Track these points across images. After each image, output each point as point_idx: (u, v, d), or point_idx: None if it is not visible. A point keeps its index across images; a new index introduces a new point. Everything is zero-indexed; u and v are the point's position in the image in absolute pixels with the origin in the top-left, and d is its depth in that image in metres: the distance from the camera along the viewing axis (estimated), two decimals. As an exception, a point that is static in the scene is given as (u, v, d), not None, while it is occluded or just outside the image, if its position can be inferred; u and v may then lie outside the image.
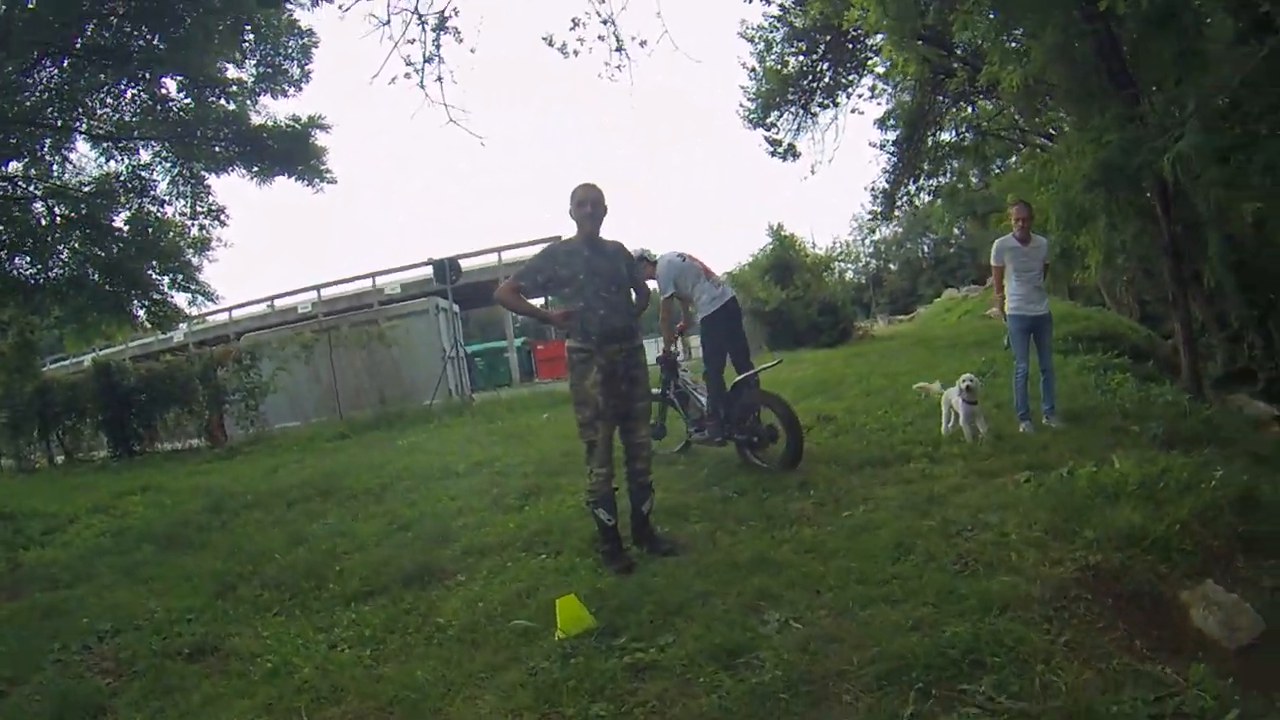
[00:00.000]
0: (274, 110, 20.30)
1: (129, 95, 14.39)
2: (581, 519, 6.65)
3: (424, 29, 8.10)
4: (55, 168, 14.28)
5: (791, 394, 11.76)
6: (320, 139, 16.10)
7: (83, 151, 14.85)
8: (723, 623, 4.43)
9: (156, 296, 15.30)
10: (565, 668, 4.22)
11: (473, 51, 15.51)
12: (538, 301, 6.72)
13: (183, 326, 24.13)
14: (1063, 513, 5.40)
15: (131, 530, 9.47)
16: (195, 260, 15.85)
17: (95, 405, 19.25)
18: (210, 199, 15.76)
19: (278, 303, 38.20)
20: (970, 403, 7.91)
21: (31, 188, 14.00)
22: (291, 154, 15.59)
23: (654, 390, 8.71)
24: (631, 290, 6.32)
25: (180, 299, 16.05)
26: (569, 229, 6.11)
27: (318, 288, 38.21)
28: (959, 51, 19.97)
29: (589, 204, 5.96)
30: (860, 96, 25.59)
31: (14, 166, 13.76)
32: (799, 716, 3.50)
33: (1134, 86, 12.69)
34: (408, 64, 8.14)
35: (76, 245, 14.43)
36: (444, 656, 4.69)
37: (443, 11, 8.11)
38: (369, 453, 12.51)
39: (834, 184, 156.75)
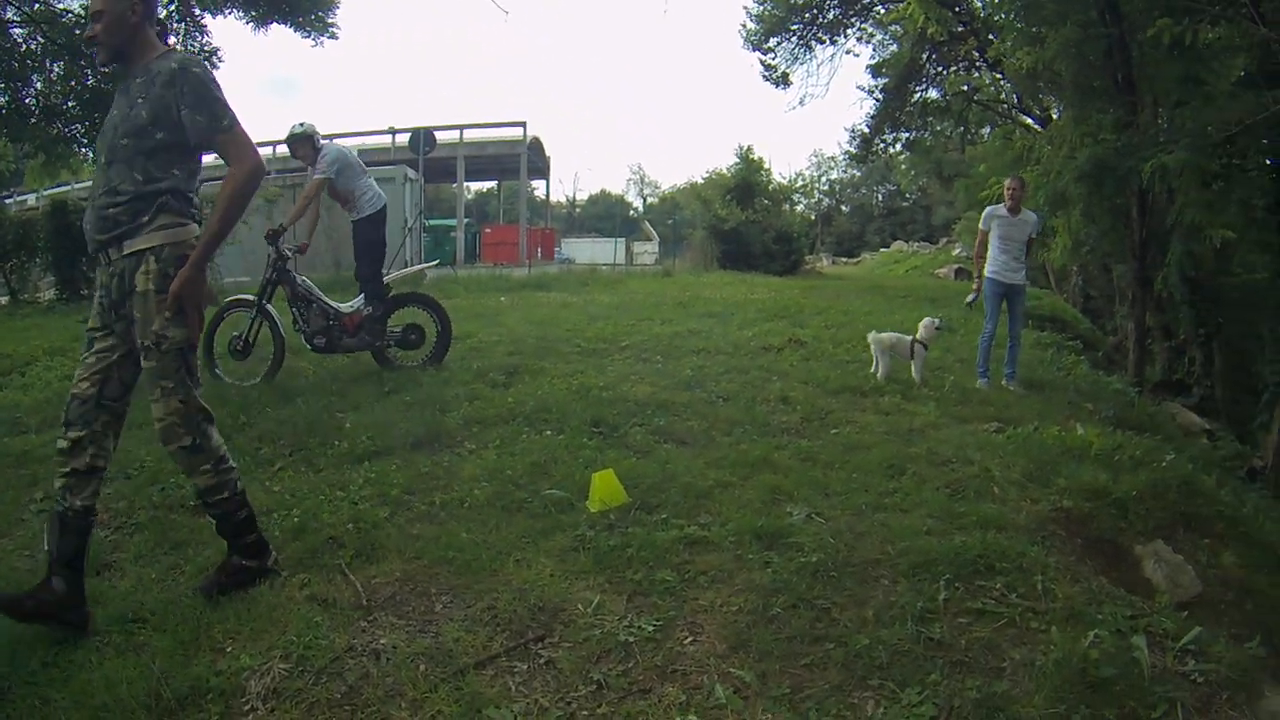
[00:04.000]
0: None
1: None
2: (577, 400, 6.96)
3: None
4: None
5: (754, 314, 12.37)
6: None
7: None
8: (750, 510, 4.73)
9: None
10: (620, 536, 4.40)
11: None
12: None
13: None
14: (1036, 461, 5.85)
15: (98, 375, 9.13)
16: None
17: (48, 245, 18.39)
18: (205, 38, 15.26)
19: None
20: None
21: (7, 13, 13.55)
22: (297, 2, 15.12)
23: (249, 297, 8.44)
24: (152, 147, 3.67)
25: None
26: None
27: (274, 144, 37.46)
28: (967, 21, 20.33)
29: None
30: (858, 39, 25.95)
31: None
32: (850, 592, 3.83)
33: (1135, 95, 13.16)
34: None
35: (54, 75, 14.05)
36: (479, 520, 4.78)
37: None
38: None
39: (800, 117, 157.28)
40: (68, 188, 25.58)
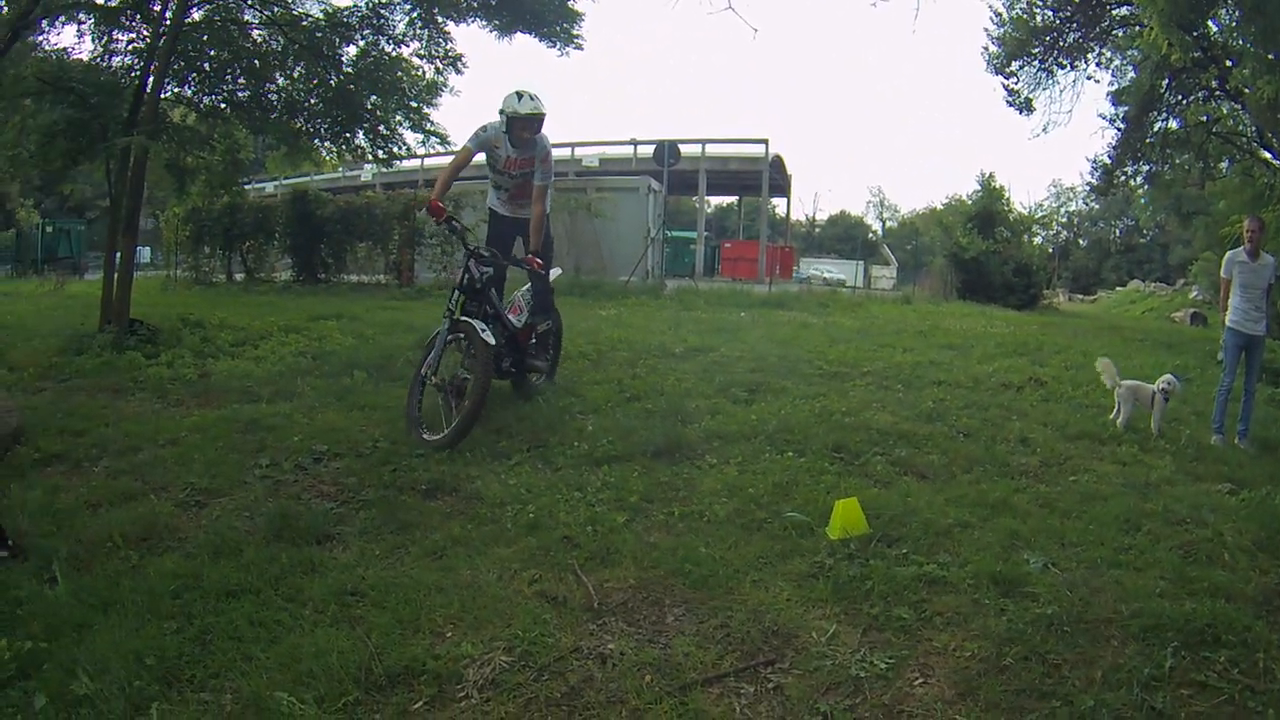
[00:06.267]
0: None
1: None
2: (818, 423, 6.94)
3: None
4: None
5: (993, 348, 11.93)
6: (579, 3, 15.60)
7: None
8: (989, 553, 4.68)
9: (384, 130, 15.54)
10: (860, 568, 4.42)
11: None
12: None
13: (369, 167, 24.58)
14: (1268, 529, 5.50)
15: (333, 355, 9.57)
16: (422, 103, 15.97)
17: (286, 229, 20.00)
18: (449, 45, 15.71)
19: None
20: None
21: (246, 15, 14.27)
22: (543, 13, 15.13)
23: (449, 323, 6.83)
24: None
25: (410, 137, 16.26)
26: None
27: (571, 146, 39.38)
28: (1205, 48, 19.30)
29: None
30: (1097, 65, 24.75)
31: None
32: (1081, 650, 3.76)
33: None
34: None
35: (296, 73, 14.73)
36: (718, 536, 4.85)
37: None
38: (570, 318, 12.52)
39: (1037, 145, 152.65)
40: (308, 178, 27.16)
